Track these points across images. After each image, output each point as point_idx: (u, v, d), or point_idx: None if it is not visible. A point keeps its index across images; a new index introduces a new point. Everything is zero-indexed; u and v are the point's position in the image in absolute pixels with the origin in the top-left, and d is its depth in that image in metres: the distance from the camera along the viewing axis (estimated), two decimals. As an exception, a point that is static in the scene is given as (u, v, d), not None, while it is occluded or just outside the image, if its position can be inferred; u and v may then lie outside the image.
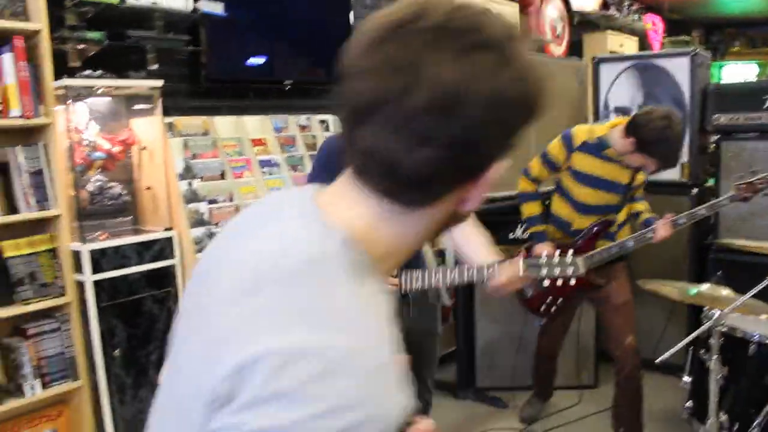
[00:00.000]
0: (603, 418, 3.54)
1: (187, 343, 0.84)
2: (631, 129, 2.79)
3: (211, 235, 3.21)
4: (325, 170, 2.41)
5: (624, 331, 3.14)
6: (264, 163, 3.62)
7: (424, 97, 0.71)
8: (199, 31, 3.28)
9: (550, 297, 3.16)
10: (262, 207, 0.92)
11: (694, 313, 3.91)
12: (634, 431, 3.20)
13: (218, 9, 3.28)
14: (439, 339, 2.68)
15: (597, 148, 2.97)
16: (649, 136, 2.73)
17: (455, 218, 0.86)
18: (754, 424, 2.45)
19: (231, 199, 3.39)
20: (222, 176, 3.40)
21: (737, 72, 9.46)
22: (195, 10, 3.23)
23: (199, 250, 3.12)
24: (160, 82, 2.95)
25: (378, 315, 0.78)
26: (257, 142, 3.65)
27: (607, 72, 4.12)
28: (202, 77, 3.37)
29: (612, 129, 2.95)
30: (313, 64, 3.89)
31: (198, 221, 3.22)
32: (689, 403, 2.86)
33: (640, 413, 3.19)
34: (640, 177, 3.08)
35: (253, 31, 3.55)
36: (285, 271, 0.75)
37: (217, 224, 3.27)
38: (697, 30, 9.22)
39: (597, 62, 4.18)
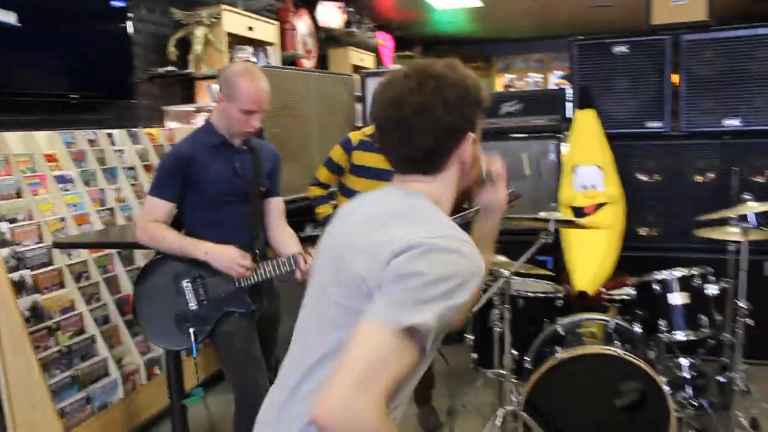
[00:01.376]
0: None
1: (329, 268, 1.34)
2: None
3: (16, 255, 3.13)
4: (172, 181, 2.58)
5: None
6: (59, 179, 3.56)
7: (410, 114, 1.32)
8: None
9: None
10: (359, 199, 1.45)
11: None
12: (428, 384, 3.69)
13: (11, 18, 3.19)
14: (279, 325, 2.97)
15: (373, 143, 3.47)
16: None
17: (470, 180, 1.44)
18: (530, 352, 3.19)
19: (31, 218, 3.30)
20: (18, 194, 3.30)
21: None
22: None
23: (9, 270, 3.03)
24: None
25: (450, 223, 1.29)
26: (50, 158, 3.58)
27: (373, 84, 4.68)
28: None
29: None
30: (96, 78, 3.89)
31: (0, 242, 3.11)
32: (474, 356, 3.50)
33: (431, 368, 3.73)
34: None
35: (37, 43, 3.48)
36: (398, 210, 1.31)
37: (19, 243, 3.18)
38: (417, 47, 10.39)
39: (364, 76, 4.73)
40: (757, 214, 3.14)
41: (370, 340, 1.14)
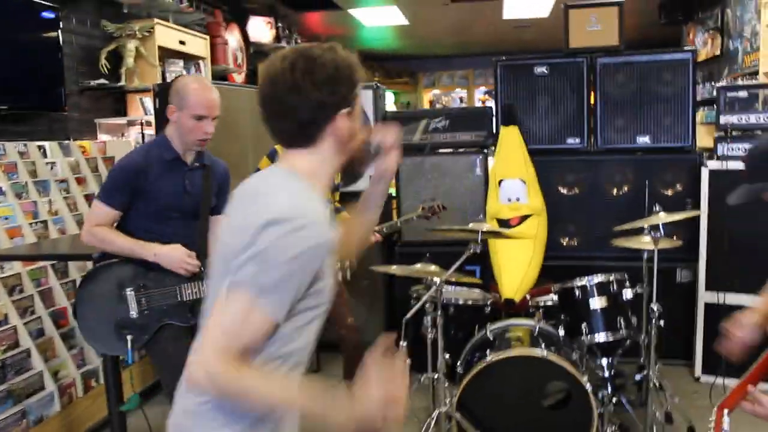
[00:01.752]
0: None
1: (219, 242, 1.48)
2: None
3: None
4: (121, 190, 2.63)
5: (344, 314, 3.76)
6: (-10, 192, 3.52)
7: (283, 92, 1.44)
8: None
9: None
10: (245, 181, 1.54)
11: (390, 301, 4.80)
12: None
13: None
14: None
15: None
16: None
17: (350, 151, 1.56)
18: (461, 357, 3.35)
19: (-36, 231, 3.26)
20: (-51, 207, 3.26)
21: (376, 98, 11.01)
22: None
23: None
24: None
25: (310, 197, 1.44)
26: (-20, 171, 3.53)
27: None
28: None
29: None
30: (26, 89, 3.86)
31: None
32: (408, 361, 3.63)
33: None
34: (337, 175, 3.81)
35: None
36: (266, 189, 1.45)
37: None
38: (345, 62, 10.54)
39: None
40: (665, 225, 3.40)
41: (226, 308, 1.33)
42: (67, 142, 4.23)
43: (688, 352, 4.39)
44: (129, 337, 2.64)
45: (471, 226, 3.18)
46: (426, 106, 11.38)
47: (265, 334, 1.35)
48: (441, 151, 4.72)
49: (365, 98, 4.73)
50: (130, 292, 2.66)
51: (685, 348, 4.41)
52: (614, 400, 3.51)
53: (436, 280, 2.99)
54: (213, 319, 1.34)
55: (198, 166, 2.78)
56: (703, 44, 7.33)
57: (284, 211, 1.35)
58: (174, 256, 2.63)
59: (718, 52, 6.88)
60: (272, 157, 3.59)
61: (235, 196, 1.52)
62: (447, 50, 10.70)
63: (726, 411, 2.21)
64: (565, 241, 4.60)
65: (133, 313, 2.66)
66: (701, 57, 7.23)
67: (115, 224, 2.71)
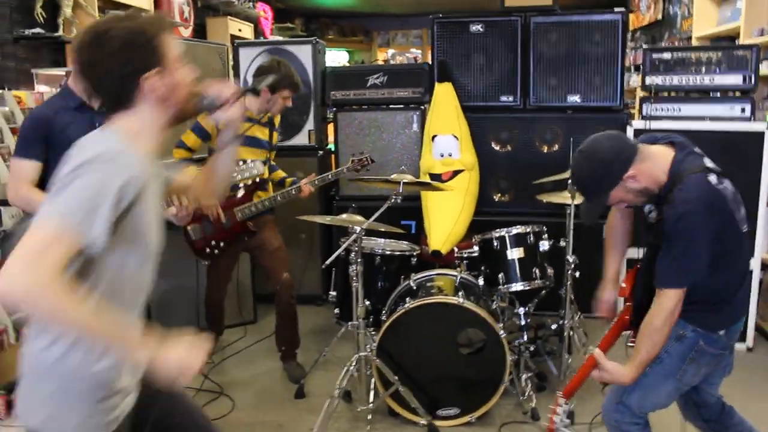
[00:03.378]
0: (265, 344, 4.30)
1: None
2: (256, 83, 3.54)
3: None
4: (34, 141, 2.66)
5: (280, 269, 3.85)
6: None
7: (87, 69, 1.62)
8: None
9: (214, 241, 3.74)
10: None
11: (327, 254, 4.90)
12: (293, 344, 3.98)
13: None
14: None
15: None
16: (269, 73, 3.45)
17: (177, 104, 1.69)
18: (386, 306, 3.49)
19: None
20: None
21: (332, 58, 10.98)
22: None
23: None
24: None
25: (121, 149, 1.57)
26: None
27: (245, 54, 4.80)
28: None
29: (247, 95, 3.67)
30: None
31: None
32: (337, 311, 3.77)
33: (296, 330, 3.98)
34: (276, 136, 3.87)
35: None
36: (88, 142, 1.60)
37: None
38: (299, 19, 10.46)
39: (237, 46, 4.83)
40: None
41: (37, 229, 1.44)
42: (1, 91, 4.19)
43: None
44: None
45: (393, 177, 3.27)
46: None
47: (67, 254, 1.45)
48: (378, 106, 4.78)
49: (304, 53, 4.78)
50: None
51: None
52: (532, 348, 3.68)
53: (356, 228, 3.09)
54: (23, 239, 1.44)
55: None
56: (646, 8, 7.46)
57: (92, 155, 1.51)
58: None
59: (660, 17, 7.02)
60: (195, 129, 3.66)
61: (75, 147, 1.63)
62: (402, 9, 10.65)
63: (563, 400, 2.42)
64: (497, 197, 4.73)
65: None
66: (645, 21, 7.37)
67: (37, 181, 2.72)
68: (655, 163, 2.18)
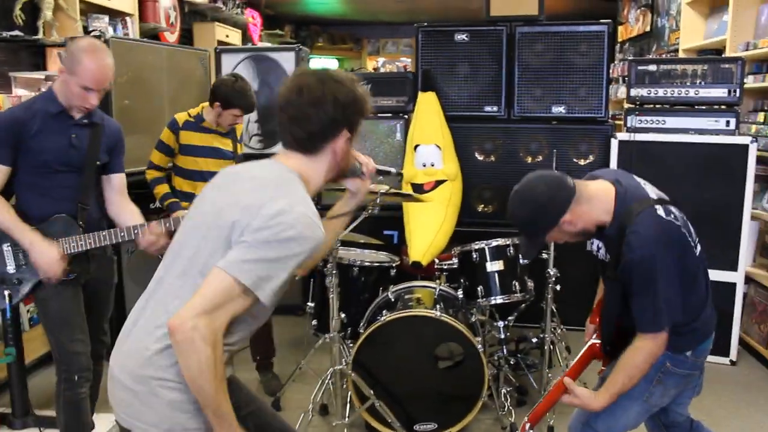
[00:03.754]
0: (240, 355, 4.21)
1: (206, 211, 1.70)
2: (212, 97, 3.56)
3: None
4: (4, 144, 2.60)
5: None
6: None
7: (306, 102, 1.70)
8: None
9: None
10: (242, 166, 1.80)
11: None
12: (268, 354, 3.91)
13: None
14: (113, 289, 3.04)
15: (196, 123, 3.65)
16: (225, 92, 3.49)
17: (338, 169, 1.81)
18: (364, 317, 3.43)
19: None
20: None
21: (321, 65, 10.97)
22: None
23: None
24: None
25: (308, 201, 1.65)
26: None
27: (227, 61, 4.74)
28: None
29: (203, 107, 3.68)
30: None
31: None
32: (314, 322, 3.70)
33: (271, 339, 3.91)
34: (240, 147, 3.83)
35: None
36: (276, 179, 1.67)
37: None
38: (288, 26, 10.43)
39: (219, 52, 4.76)
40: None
41: (218, 285, 1.53)
42: (-24, 94, 4.13)
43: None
44: (6, 292, 2.65)
45: (371, 187, 3.20)
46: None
47: (245, 310, 1.59)
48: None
49: (287, 60, 4.73)
50: (7, 248, 2.67)
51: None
52: (512, 361, 3.62)
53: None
54: (204, 288, 1.54)
55: (87, 123, 2.75)
56: (635, 21, 7.46)
57: (293, 204, 1.59)
58: (46, 255, 2.59)
59: (648, 29, 7.02)
60: (172, 127, 3.67)
61: (238, 177, 1.74)
62: (393, 17, 10.64)
63: (528, 426, 2.38)
64: (480, 207, 4.69)
65: (11, 268, 2.67)
66: (633, 33, 7.36)
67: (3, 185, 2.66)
68: (593, 205, 2.14)
